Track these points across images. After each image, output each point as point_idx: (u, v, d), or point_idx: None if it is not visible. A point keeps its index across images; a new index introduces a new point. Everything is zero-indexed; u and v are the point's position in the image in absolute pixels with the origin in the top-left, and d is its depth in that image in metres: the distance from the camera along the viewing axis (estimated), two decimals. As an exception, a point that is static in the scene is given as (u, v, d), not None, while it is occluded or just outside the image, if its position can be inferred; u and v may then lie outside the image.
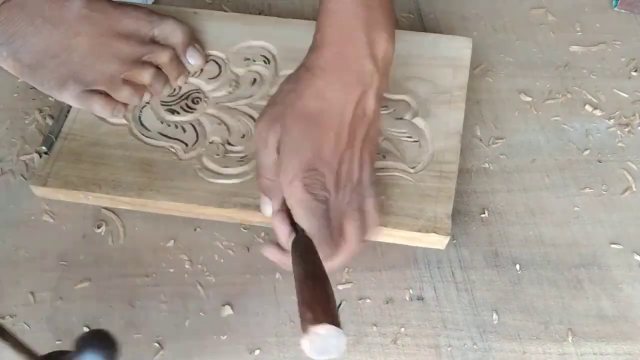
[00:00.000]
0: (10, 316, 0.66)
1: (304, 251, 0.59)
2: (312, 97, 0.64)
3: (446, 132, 0.76)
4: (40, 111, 0.79)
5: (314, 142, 0.63)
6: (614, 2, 0.91)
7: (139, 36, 0.78)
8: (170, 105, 0.79)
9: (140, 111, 0.78)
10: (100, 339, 0.48)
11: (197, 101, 0.79)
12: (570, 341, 0.67)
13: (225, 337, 0.66)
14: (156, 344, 0.65)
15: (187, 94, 0.80)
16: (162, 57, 0.78)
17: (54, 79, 0.75)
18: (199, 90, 0.80)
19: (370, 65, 0.65)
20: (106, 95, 0.76)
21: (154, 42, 0.79)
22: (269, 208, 0.67)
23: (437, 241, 0.70)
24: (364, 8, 0.64)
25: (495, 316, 0.68)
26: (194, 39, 0.81)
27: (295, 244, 0.62)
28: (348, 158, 0.65)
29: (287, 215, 0.64)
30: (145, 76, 0.77)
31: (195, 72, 0.81)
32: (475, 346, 0.66)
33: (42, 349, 0.64)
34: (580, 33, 0.89)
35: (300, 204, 0.62)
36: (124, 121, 0.77)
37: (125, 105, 0.77)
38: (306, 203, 0.62)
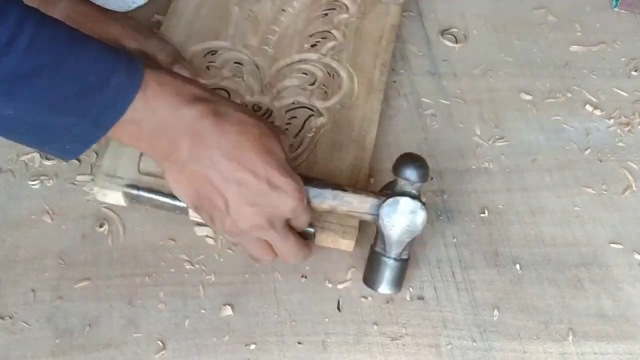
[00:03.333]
0: (10, 317, 0.66)
1: None
2: None
3: None
4: (40, 111, 0.79)
5: None
6: (614, 2, 0.91)
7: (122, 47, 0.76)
8: None
9: None
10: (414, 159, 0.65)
11: None
12: (571, 340, 0.66)
13: (225, 336, 0.66)
14: (156, 344, 0.65)
15: None
16: None
17: None
18: None
19: None
20: None
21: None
22: None
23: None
24: None
25: (495, 315, 0.68)
26: (180, 58, 0.78)
27: None
28: None
29: None
30: None
31: None
32: (475, 345, 0.66)
33: (42, 349, 0.64)
34: (580, 33, 0.89)
35: None
36: None
37: None
38: None
